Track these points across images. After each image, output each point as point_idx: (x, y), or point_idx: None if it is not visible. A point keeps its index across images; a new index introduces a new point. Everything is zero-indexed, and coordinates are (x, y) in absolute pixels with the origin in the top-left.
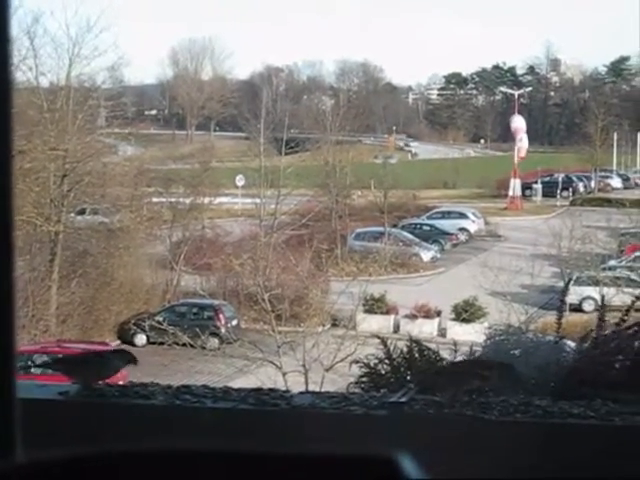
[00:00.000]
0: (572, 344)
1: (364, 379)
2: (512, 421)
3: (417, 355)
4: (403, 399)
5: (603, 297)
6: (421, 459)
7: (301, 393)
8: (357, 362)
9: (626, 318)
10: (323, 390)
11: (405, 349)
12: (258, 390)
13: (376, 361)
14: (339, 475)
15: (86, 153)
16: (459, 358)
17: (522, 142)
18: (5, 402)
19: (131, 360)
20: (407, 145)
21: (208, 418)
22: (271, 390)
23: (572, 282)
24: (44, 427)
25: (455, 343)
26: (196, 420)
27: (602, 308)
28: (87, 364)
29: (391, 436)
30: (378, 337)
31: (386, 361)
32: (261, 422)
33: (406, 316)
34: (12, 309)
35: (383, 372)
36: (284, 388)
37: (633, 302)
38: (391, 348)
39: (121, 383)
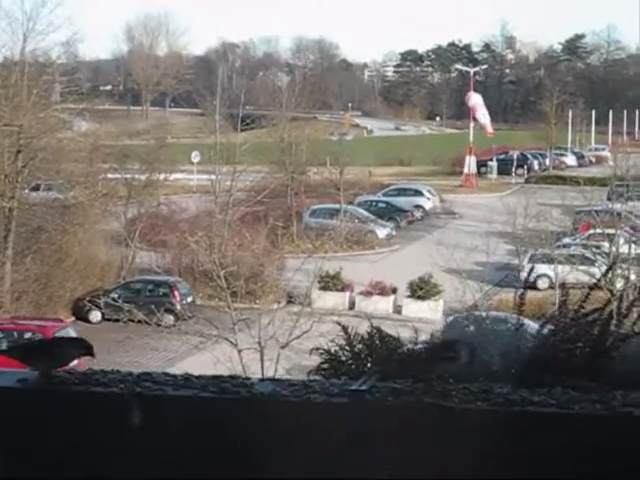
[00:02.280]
0: (533, 325)
1: (324, 366)
2: (473, 409)
3: (378, 342)
4: (364, 387)
5: (564, 284)
6: (381, 447)
7: (261, 380)
8: (317, 349)
9: (584, 305)
10: (284, 377)
11: (365, 335)
12: (218, 377)
13: (336, 348)
14: None
15: (41, 129)
16: (419, 345)
17: (485, 118)
18: None
19: (89, 351)
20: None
21: (169, 407)
22: (232, 377)
23: (527, 260)
24: (3, 416)
25: (416, 330)
26: (157, 409)
27: (563, 292)
28: (44, 353)
29: (352, 424)
30: (339, 324)
31: (347, 348)
32: (222, 410)
33: (361, 293)
34: None
35: (344, 359)
36: (240, 365)
37: (591, 288)
38: (350, 332)
39: (76, 369)
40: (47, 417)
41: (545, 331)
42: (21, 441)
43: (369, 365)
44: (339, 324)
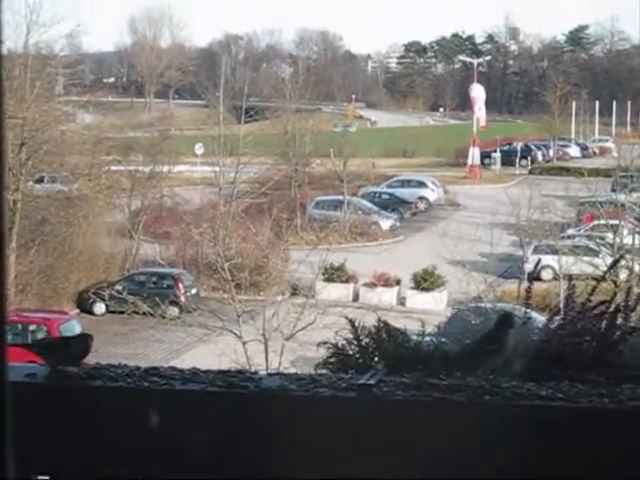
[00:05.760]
0: (540, 319)
1: (332, 360)
2: (481, 403)
3: (385, 335)
4: (371, 381)
5: (571, 277)
6: (390, 441)
7: (269, 375)
8: (325, 343)
9: (591, 299)
10: (289, 370)
11: (372, 329)
12: (226, 372)
13: (343, 341)
14: None
15: (44, 121)
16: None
17: (481, 111)
18: None
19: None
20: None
21: (177, 401)
22: (239, 372)
23: (531, 251)
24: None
25: (423, 324)
26: (165, 403)
27: (569, 285)
28: (53, 351)
29: (360, 418)
30: (346, 317)
31: (354, 341)
32: (230, 404)
33: (365, 285)
34: (3, 290)
35: (351, 353)
36: (244, 357)
37: (597, 281)
38: (357, 325)
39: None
40: (55, 411)
41: (552, 324)
42: (30, 436)
43: (376, 359)
44: (346, 318)
